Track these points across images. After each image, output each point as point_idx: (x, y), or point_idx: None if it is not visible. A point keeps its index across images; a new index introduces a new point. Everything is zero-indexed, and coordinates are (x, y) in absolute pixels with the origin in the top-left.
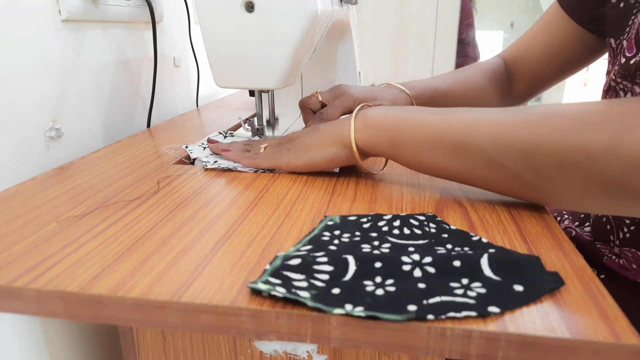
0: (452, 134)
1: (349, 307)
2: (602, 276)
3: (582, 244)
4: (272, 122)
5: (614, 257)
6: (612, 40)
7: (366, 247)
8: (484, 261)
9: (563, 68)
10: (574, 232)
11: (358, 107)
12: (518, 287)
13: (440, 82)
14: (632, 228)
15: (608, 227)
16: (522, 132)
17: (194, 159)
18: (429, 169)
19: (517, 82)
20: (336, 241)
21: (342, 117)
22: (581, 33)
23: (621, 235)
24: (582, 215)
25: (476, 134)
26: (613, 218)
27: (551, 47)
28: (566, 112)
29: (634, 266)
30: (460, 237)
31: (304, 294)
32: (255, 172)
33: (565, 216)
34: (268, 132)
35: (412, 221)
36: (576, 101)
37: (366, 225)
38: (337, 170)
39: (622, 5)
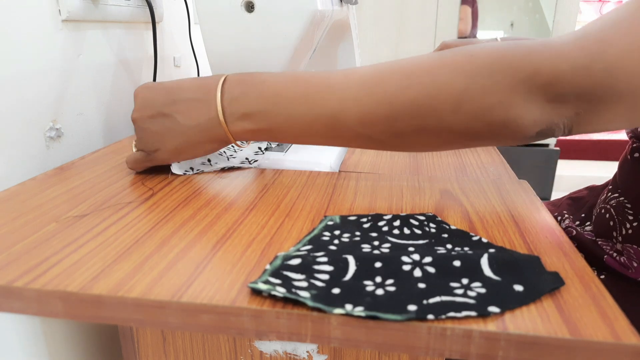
0: (323, 122)
1: (349, 307)
2: (602, 276)
3: (582, 244)
4: None
5: (615, 254)
6: None
7: (366, 247)
8: (484, 261)
9: None
10: (574, 232)
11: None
12: (518, 287)
13: None
14: (634, 224)
15: (611, 223)
16: (383, 109)
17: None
18: (304, 143)
19: None
20: (336, 241)
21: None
22: None
23: (624, 232)
24: (583, 215)
25: (344, 118)
26: (616, 214)
27: None
28: (418, 75)
29: (635, 264)
30: (460, 237)
31: (304, 294)
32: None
33: (566, 216)
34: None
35: (412, 221)
36: None
37: (366, 225)
38: (337, 170)
39: None
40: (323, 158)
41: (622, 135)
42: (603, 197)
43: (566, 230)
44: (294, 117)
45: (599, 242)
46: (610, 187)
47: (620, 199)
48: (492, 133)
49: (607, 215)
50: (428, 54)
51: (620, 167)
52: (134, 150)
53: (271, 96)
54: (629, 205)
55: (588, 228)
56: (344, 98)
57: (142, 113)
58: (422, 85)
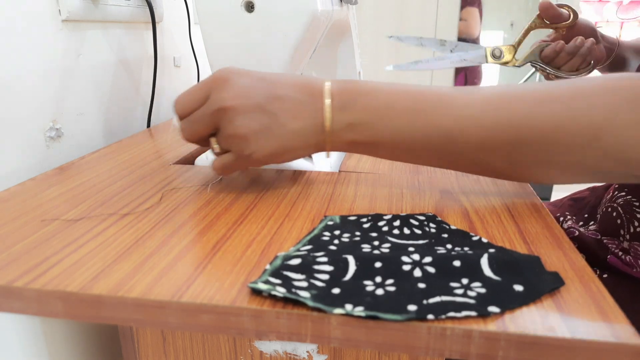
0: (435, 141)
1: (349, 307)
2: (605, 276)
3: (585, 244)
4: None
5: (620, 252)
6: None
7: (366, 247)
8: (484, 261)
9: None
10: (577, 232)
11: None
12: (518, 287)
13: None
14: None
15: (618, 221)
16: (507, 136)
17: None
18: (409, 162)
19: None
20: (336, 241)
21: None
22: None
23: (632, 229)
24: (586, 215)
25: (460, 140)
26: (624, 212)
27: None
28: (549, 102)
29: None
30: (460, 237)
31: (304, 294)
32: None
33: (568, 217)
34: None
35: (412, 221)
36: None
37: (366, 225)
38: (337, 170)
39: None
40: (323, 158)
41: None
42: (609, 196)
43: (568, 230)
44: (403, 133)
45: (605, 241)
46: (617, 186)
47: (628, 197)
48: (627, 171)
49: (614, 214)
50: (562, 81)
51: None
52: (213, 148)
53: (380, 108)
54: (637, 204)
55: (592, 228)
56: (462, 117)
57: (241, 102)
58: (554, 114)
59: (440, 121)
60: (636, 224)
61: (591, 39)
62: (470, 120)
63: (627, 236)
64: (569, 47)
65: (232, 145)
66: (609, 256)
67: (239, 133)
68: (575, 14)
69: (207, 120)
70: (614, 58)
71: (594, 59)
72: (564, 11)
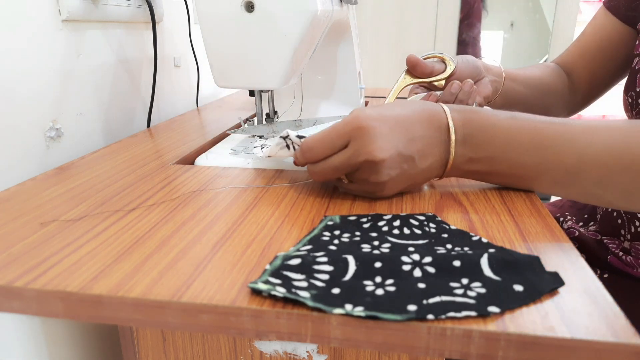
0: (553, 176)
1: (348, 307)
2: (606, 275)
3: (585, 245)
4: (272, 116)
5: (621, 253)
6: None
7: (366, 247)
8: (484, 261)
9: (620, 67)
10: (577, 233)
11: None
12: (518, 287)
13: (524, 76)
14: None
15: (619, 221)
16: (628, 176)
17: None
18: (525, 188)
19: (577, 86)
20: (336, 241)
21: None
22: (627, 31)
23: (632, 229)
24: (586, 215)
25: (581, 176)
26: (624, 212)
27: (606, 48)
28: None
29: None
30: (460, 237)
31: (304, 294)
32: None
33: (568, 217)
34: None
35: (412, 221)
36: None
37: (366, 225)
38: None
39: None
40: None
41: None
42: None
43: (568, 231)
44: (523, 166)
45: (605, 241)
46: None
47: None
48: None
49: (615, 214)
50: None
51: None
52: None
53: (502, 143)
54: None
55: (592, 228)
56: (584, 155)
57: (389, 154)
58: None
59: (562, 158)
60: (637, 223)
61: (469, 80)
62: (593, 159)
63: (628, 236)
64: (444, 96)
65: (367, 187)
66: (609, 256)
67: (381, 181)
68: (452, 63)
69: (348, 168)
70: (503, 91)
71: (483, 96)
72: (437, 64)
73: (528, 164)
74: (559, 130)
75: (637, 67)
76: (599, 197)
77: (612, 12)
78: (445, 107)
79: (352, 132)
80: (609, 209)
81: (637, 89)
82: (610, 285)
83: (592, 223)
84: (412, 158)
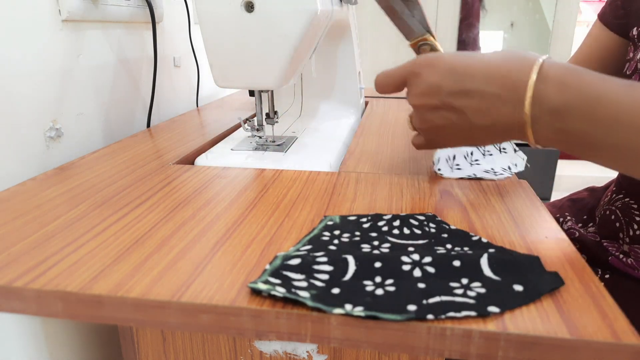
0: None
1: (348, 307)
2: (607, 276)
3: (586, 245)
4: (272, 116)
5: (621, 255)
6: (635, 29)
7: (366, 247)
8: (484, 261)
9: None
10: (577, 233)
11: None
12: (518, 287)
13: None
14: None
15: (617, 224)
16: None
17: None
18: (615, 169)
19: None
20: (336, 241)
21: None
22: (622, 43)
23: (631, 233)
24: (585, 216)
25: None
26: (622, 215)
27: (603, 59)
28: None
29: None
30: (460, 237)
31: (304, 294)
32: None
33: (568, 217)
34: (268, 129)
35: (412, 221)
36: None
37: (366, 225)
38: (337, 170)
39: None
40: (323, 158)
41: None
42: (607, 198)
43: (568, 231)
44: (624, 149)
45: (604, 244)
46: (614, 188)
47: (626, 199)
48: None
49: (613, 217)
50: None
51: None
52: (409, 126)
53: (606, 121)
54: (635, 206)
55: (591, 229)
56: None
57: (426, 101)
58: None
59: None
60: (635, 227)
61: None
62: None
63: (627, 239)
64: None
65: (422, 133)
66: (610, 257)
67: (424, 127)
68: (441, 50)
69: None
70: None
71: None
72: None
73: (633, 147)
74: None
75: (628, 73)
76: None
77: (605, 23)
78: (538, 63)
79: (407, 75)
80: (607, 212)
81: None
82: (612, 286)
83: (591, 224)
84: (462, 113)
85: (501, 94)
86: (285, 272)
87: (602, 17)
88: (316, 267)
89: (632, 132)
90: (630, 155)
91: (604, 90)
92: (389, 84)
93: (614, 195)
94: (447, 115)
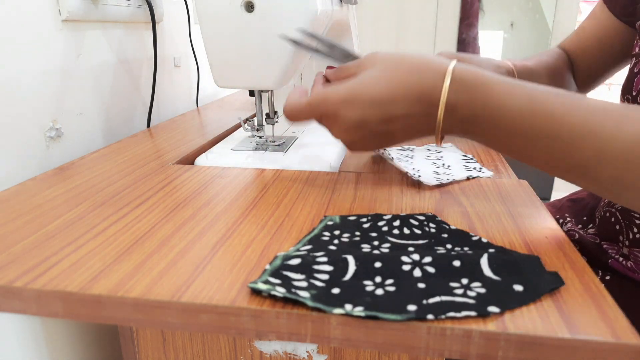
0: (564, 168)
1: (348, 307)
2: (608, 277)
3: (585, 247)
4: (272, 116)
5: (621, 258)
6: None
7: (366, 247)
8: (484, 261)
9: (615, 61)
10: (577, 235)
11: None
12: (518, 287)
13: (534, 62)
14: None
15: (617, 227)
16: None
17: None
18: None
19: (577, 72)
20: (336, 241)
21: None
22: (623, 28)
23: (631, 236)
24: (585, 218)
25: (592, 173)
26: (622, 218)
27: (603, 40)
28: None
29: None
30: (460, 237)
31: (304, 294)
32: None
33: (568, 219)
34: (268, 129)
35: (412, 221)
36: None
37: (366, 225)
38: (337, 170)
39: None
40: (323, 158)
41: None
42: (607, 200)
43: (568, 233)
44: (526, 156)
45: (604, 246)
46: None
47: None
48: None
49: (613, 219)
50: None
51: None
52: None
53: (506, 133)
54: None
55: (591, 231)
56: (604, 152)
57: (353, 135)
58: None
59: (577, 154)
60: (635, 230)
61: None
62: (611, 157)
63: (627, 242)
64: None
65: (343, 142)
66: (610, 260)
67: (356, 151)
68: None
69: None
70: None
71: None
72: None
73: (534, 155)
74: (579, 119)
75: (635, 70)
76: (602, 189)
77: (609, 7)
78: (447, 79)
79: (322, 117)
80: (607, 214)
81: (634, 93)
82: (613, 287)
83: (590, 225)
84: (391, 134)
85: (420, 112)
86: (285, 272)
87: (607, 1)
88: (316, 267)
89: (532, 143)
90: (530, 161)
91: (504, 99)
92: (299, 119)
93: None
94: (375, 140)
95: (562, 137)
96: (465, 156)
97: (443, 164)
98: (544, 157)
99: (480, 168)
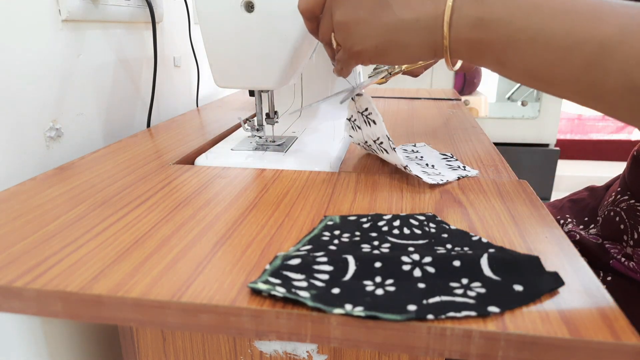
0: (588, 51)
1: (348, 307)
2: (609, 278)
3: (586, 248)
4: (272, 116)
5: (623, 259)
6: None
7: (366, 247)
8: (484, 261)
9: None
10: (578, 236)
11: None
12: (518, 287)
13: None
14: None
15: (621, 226)
16: None
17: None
18: (543, 85)
19: None
20: (336, 241)
21: None
22: None
23: (636, 236)
24: (586, 218)
25: (619, 56)
26: (627, 217)
27: None
28: None
29: None
30: (460, 237)
31: (304, 294)
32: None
33: (569, 219)
34: (268, 129)
35: (412, 221)
36: None
37: (366, 225)
38: (337, 170)
39: None
40: (323, 158)
41: (621, 135)
42: (611, 199)
43: (569, 234)
44: (543, 38)
45: (607, 246)
46: (619, 189)
47: (631, 201)
48: None
49: (617, 219)
50: None
51: (629, 168)
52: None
53: (526, 3)
54: None
55: (593, 231)
56: (627, 26)
57: (355, 14)
58: None
59: (599, 28)
60: None
61: None
62: (637, 32)
63: (631, 242)
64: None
65: (338, 37)
66: (611, 260)
67: (340, 21)
68: None
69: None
70: None
71: None
72: None
73: (553, 34)
74: None
75: None
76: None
77: None
78: None
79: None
80: (611, 213)
81: None
82: (614, 287)
83: (592, 226)
84: (387, 3)
85: None
86: (285, 272)
87: None
88: (316, 267)
89: (550, 18)
90: (547, 47)
91: None
92: (309, 2)
93: (619, 196)
94: (367, 5)
95: (580, 12)
96: (445, 155)
97: (427, 164)
98: (564, 41)
99: (464, 167)
